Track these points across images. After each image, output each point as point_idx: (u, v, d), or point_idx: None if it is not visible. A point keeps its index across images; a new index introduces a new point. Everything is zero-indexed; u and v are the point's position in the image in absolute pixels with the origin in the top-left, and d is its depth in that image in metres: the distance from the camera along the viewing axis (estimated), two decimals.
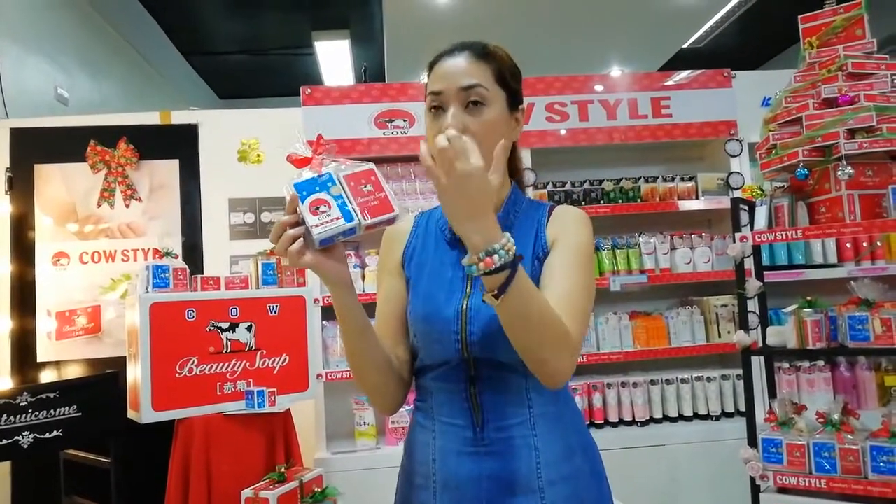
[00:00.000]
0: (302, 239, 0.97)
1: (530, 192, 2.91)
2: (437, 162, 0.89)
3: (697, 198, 3.09)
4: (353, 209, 0.98)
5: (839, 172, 2.02)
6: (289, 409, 2.53)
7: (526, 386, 1.11)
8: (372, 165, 1.02)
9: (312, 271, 1.00)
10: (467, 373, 1.11)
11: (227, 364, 2.41)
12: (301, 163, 1.03)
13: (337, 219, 0.97)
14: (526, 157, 2.98)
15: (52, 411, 2.32)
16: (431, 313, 1.14)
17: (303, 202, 0.97)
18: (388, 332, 1.19)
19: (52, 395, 2.33)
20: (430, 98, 1.13)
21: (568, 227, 1.16)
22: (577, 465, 1.13)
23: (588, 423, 2.92)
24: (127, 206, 3.22)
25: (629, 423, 2.97)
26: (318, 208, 0.97)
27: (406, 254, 1.24)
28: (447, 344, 1.11)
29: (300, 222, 0.98)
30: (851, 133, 2.06)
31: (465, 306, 1.11)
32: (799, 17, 2.32)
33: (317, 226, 0.96)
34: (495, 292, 0.92)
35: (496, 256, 0.89)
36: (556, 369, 1.01)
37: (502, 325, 0.98)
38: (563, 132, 3.07)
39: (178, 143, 3.30)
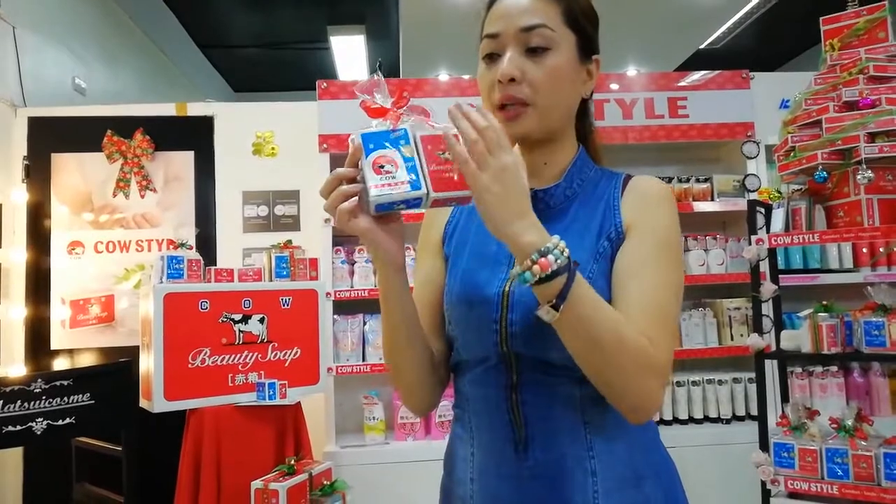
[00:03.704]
0: (357, 198, 0.82)
1: None
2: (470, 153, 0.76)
3: (713, 199, 3.08)
4: (424, 177, 0.81)
5: (859, 176, 2.00)
6: (299, 402, 2.54)
7: (580, 394, 0.91)
8: (456, 131, 0.83)
9: (361, 238, 0.84)
10: (508, 376, 0.93)
11: (239, 356, 2.42)
12: (375, 112, 0.85)
13: (402, 183, 0.80)
14: None
15: (65, 399, 2.34)
16: (469, 293, 0.96)
17: (366, 156, 0.81)
18: (425, 320, 1.00)
19: (65, 383, 2.34)
20: (485, 43, 0.97)
21: (649, 209, 0.95)
22: (647, 493, 0.93)
23: None
24: (142, 196, 3.24)
25: None
26: (382, 167, 0.80)
27: (448, 228, 1.07)
28: (484, 334, 0.93)
29: (359, 179, 0.82)
30: (872, 137, 2.03)
31: (507, 288, 0.93)
32: (820, 18, 2.30)
33: (377, 186, 0.79)
34: (553, 301, 0.77)
35: (551, 257, 0.76)
36: (639, 402, 0.84)
37: (568, 349, 0.83)
38: None
39: (194, 135, 3.31)
